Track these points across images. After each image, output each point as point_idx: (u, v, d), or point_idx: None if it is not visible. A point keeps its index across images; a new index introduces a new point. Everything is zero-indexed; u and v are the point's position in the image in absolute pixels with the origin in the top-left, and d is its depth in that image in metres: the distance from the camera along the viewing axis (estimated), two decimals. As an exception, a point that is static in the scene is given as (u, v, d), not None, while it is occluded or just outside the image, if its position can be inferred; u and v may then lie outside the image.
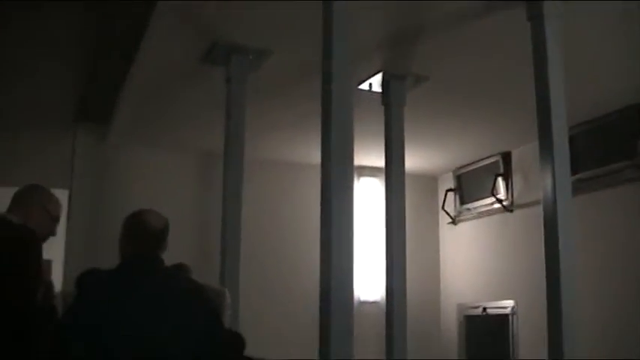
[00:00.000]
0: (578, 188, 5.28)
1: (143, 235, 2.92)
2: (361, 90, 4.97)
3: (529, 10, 3.61)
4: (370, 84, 4.96)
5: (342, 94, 3.09)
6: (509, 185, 7.11)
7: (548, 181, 3.43)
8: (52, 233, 3.31)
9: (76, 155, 6.58)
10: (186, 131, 6.43)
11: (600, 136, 6.01)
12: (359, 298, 7.16)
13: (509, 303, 6.94)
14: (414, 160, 7.09)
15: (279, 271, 7.02)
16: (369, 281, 7.29)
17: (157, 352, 2.69)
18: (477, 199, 7.54)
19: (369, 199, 7.48)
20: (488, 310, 7.26)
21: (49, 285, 5.00)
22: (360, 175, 7.54)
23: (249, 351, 3.39)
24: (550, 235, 3.42)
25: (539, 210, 3.49)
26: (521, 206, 6.92)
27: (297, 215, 7.10)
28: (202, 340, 2.80)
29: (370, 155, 6.53)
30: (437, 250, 8.18)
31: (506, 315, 6.97)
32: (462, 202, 7.83)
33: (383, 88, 4.96)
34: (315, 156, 3.42)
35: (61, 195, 6.58)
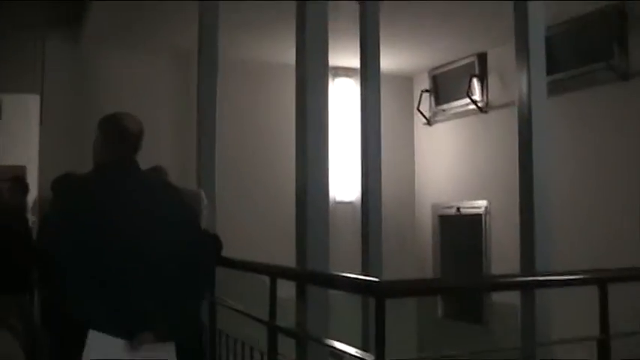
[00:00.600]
0: (553, 89, 5.28)
1: (120, 138, 2.88)
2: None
3: None
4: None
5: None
6: (485, 86, 7.09)
7: (524, 82, 3.42)
8: None
9: (48, 59, 6.44)
10: (161, 31, 6.31)
11: (577, 37, 5.98)
12: (334, 198, 7.21)
13: (483, 203, 7.05)
14: (389, 61, 7.00)
15: (256, 172, 7.04)
16: (344, 182, 7.33)
17: (134, 253, 2.71)
18: (452, 100, 7.54)
19: (344, 99, 7.44)
20: (462, 210, 7.37)
21: (20, 181, 4.95)
22: (335, 75, 7.46)
23: (226, 252, 3.43)
24: (524, 135, 3.43)
25: (514, 111, 3.49)
26: (496, 107, 6.94)
27: (273, 116, 7.06)
28: (179, 241, 2.82)
29: (345, 55, 6.45)
30: (412, 151, 8.22)
31: (480, 215, 7.09)
32: (437, 103, 7.82)
33: (359, -13, 4.85)
34: (291, 56, 3.37)
35: (33, 100, 6.54)
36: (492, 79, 7.04)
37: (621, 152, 5.57)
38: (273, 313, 2.97)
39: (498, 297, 6.55)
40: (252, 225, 6.75)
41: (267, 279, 3.06)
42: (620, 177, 5.54)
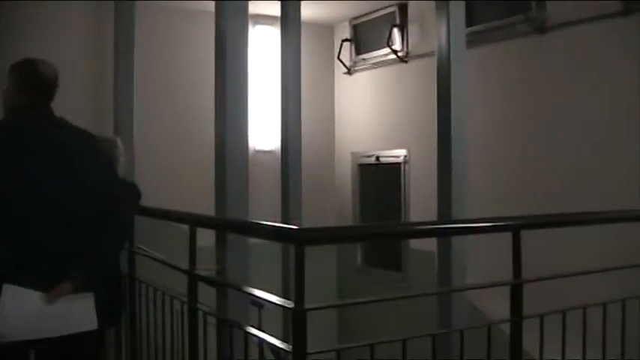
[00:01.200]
0: (472, 40, 5.34)
1: (35, 84, 2.80)
2: None
3: None
4: None
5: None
6: (405, 36, 7.13)
7: (443, 33, 3.45)
8: None
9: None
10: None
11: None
12: (254, 147, 7.18)
13: (402, 152, 7.13)
14: (310, 9, 6.94)
15: (175, 120, 6.93)
16: (264, 130, 7.30)
17: (49, 202, 2.65)
18: (373, 50, 7.56)
19: (264, 47, 7.37)
20: (382, 159, 7.44)
21: None
22: (256, 23, 7.37)
23: (145, 201, 3.39)
24: (443, 85, 3.47)
25: (433, 61, 3.52)
26: (416, 57, 6.99)
27: (193, 63, 6.94)
28: (95, 189, 2.77)
29: (266, 3, 6.36)
30: (332, 100, 8.23)
31: (399, 163, 7.18)
32: (358, 53, 7.83)
33: None
34: (211, 3, 3.30)
35: None
36: (413, 29, 7.07)
37: (535, 104, 5.70)
38: (192, 262, 2.96)
39: (416, 244, 6.69)
40: (172, 173, 6.67)
41: (187, 228, 3.04)
42: (535, 127, 5.69)
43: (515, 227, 2.63)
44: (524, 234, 2.62)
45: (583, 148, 5.26)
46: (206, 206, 3.41)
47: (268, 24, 7.37)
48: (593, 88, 5.22)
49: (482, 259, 4.52)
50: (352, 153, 7.93)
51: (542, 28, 5.59)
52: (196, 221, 3.02)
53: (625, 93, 4.99)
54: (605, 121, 5.11)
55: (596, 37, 5.18)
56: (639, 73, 4.90)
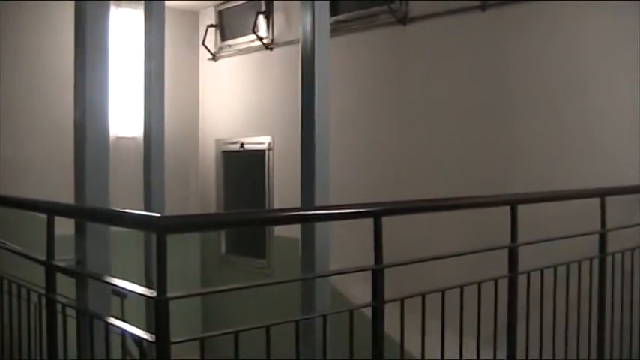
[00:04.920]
0: (336, 29, 5.42)
1: None
2: None
3: None
4: None
5: None
6: (271, 23, 7.13)
7: (307, 21, 3.47)
8: None
9: None
10: None
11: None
12: (116, 134, 7.00)
13: (267, 139, 7.15)
14: (175, -7, 6.87)
15: (34, 105, 6.66)
16: (126, 117, 7.12)
17: None
18: (238, 36, 7.53)
19: (127, 31, 7.16)
20: (246, 146, 7.44)
21: None
22: (119, 5, 7.16)
23: (3, 190, 3.24)
24: (306, 73, 3.50)
25: (298, 49, 3.54)
26: (281, 45, 7.01)
27: (52, 47, 6.68)
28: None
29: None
30: (196, 86, 8.15)
31: (263, 151, 7.19)
32: (223, 39, 7.78)
33: None
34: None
35: None
36: (278, 17, 7.09)
37: (397, 92, 5.85)
38: (50, 252, 2.86)
39: (280, 231, 6.73)
40: (31, 160, 6.42)
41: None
42: (397, 115, 5.84)
43: (377, 213, 2.69)
44: (389, 220, 2.68)
45: (442, 137, 5.45)
46: (67, 195, 3.29)
47: (132, 7, 7.18)
48: (451, 78, 5.42)
49: (346, 245, 4.61)
50: (216, 140, 7.88)
51: (404, 20, 5.74)
52: (54, 210, 2.92)
53: (481, 84, 5.21)
54: (464, 109, 5.32)
55: (455, 30, 5.37)
56: (494, 65, 5.13)
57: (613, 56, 4.49)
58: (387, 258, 2.67)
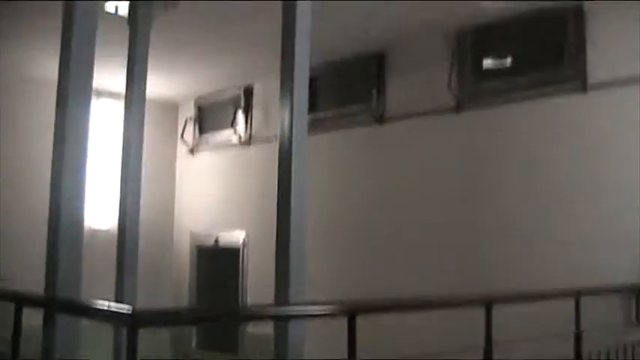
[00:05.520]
0: (315, 127, 5.49)
1: None
2: (107, 12, 4.74)
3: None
4: (117, 6, 4.74)
5: (87, 10, 2.92)
6: (249, 119, 7.22)
7: (286, 118, 3.51)
8: None
9: None
10: None
11: (339, 79, 6.29)
12: (91, 225, 6.95)
13: (241, 234, 7.13)
14: (156, 86, 6.91)
15: (8, 193, 6.61)
16: (102, 208, 7.09)
17: None
18: (217, 131, 7.60)
19: (107, 122, 7.21)
20: (221, 240, 7.40)
21: None
22: (100, 96, 7.22)
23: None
24: (284, 169, 3.51)
25: (275, 145, 3.57)
26: (258, 140, 7.08)
27: (32, 132, 6.68)
28: None
29: (112, 77, 6.27)
30: (173, 179, 8.16)
31: (238, 245, 7.16)
32: (202, 132, 7.84)
33: (130, 9, 4.75)
34: (53, 71, 3.20)
35: None
36: (257, 112, 7.18)
37: (373, 189, 5.90)
38: (16, 343, 2.79)
39: (254, 327, 6.63)
40: (2, 249, 6.32)
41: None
42: (374, 212, 5.87)
43: (351, 312, 2.66)
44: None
45: (417, 231, 5.48)
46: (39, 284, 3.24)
47: (113, 97, 7.25)
48: (426, 175, 5.51)
49: (319, 341, 4.54)
50: (191, 233, 7.83)
51: (381, 119, 5.85)
52: (23, 299, 2.86)
53: (454, 180, 5.30)
54: (439, 205, 5.38)
55: (430, 129, 5.49)
56: (467, 162, 5.23)
57: (579, 157, 4.61)
58: (362, 354, 2.63)
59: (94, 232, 6.91)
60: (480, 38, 5.27)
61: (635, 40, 4.43)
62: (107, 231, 6.92)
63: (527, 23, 4.95)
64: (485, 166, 5.14)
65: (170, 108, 8.11)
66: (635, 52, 4.43)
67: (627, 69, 4.45)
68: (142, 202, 4.36)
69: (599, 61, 4.60)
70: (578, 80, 4.66)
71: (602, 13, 4.62)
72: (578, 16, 4.69)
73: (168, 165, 8.10)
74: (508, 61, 5.13)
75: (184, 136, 7.87)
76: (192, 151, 7.93)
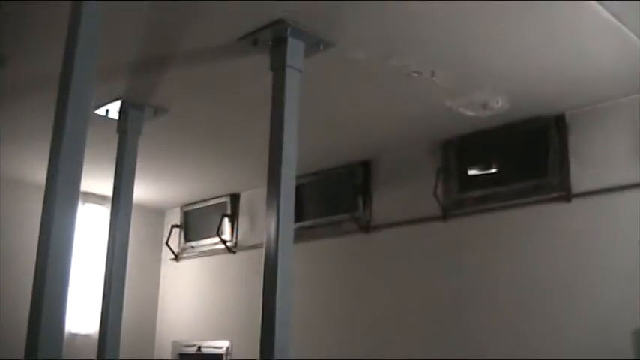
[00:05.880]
0: (301, 235, 5.50)
1: None
2: (97, 115, 4.81)
3: (272, 60, 3.73)
4: (107, 110, 4.82)
5: (78, 115, 2.95)
6: (235, 226, 7.23)
7: (272, 226, 3.51)
8: None
9: None
10: None
11: (326, 188, 6.35)
12: (70, 329, 6.83)
13: (225, 343, 7.01)
14: (143, 192, 6.98)
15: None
16: (83, 312, 6.99)
17: None
18: (202, 238, 7.58)
19: (92, 226, 7.21)
20: (203, 349, 7.27)
21: None
22: (86, 201, 7.25)
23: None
24: (269, 278, 3.49)
25: (261, 253, 3.56)
26: (244, 248, 7.06)
27: (15, 236, 6.64)
28: None
29: (99, 182, 6.31)
30: (157, 286, 8.08)
31: (221, 355, 7.02)
32: (187, 239, 7.82)
33: (120, 116, 4.83)
34: (41, 175, 3.21)
35: None
36: (243, 220, 7.20)
37: (359, 297, 5.86)
38: None
39: None
40: None
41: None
42: (357, 321, 5.82)
43: None
44: None
45: (405, 340, 5.41)
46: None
47: (98, 203, 7.27)
48: (412, 283, 5.50)
49: None
50: (173, 342, 7.69)
51: (367, 228, 5.87)
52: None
53: (441, 288, 5.28)
54: (426, 313, 5.34)
55: (417, 237, 5.53)
56: (454, 271, 5.23)
57: (566, 261, 4.64)
58: None
59: (73, 337, 6.78)
60: (465, 147, 5.37)
61: (616, 149, 4.54)
62: (87, 336, 6.80)
63: (511, 133, 5.06)
64: (472, 272, 5.14)
65: (156, 214, 8.12)
66: (615, 161, 4.53)
67: (609, 178, 4.54)
68: (124, 307, 4.31)
69: (582, 171, 4.68)
70: (561, 190, 4.72)
71: (583, 123, 4.74)
72: (561, 126, 4.81)
73: (152, 271, 8.04)
74: (493, 170, 5.21)
75: (169, 242, 7.84)
76: (176, 257, 7.88)
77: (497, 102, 4.64)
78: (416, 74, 4.20)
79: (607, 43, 3.75)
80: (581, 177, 4.69)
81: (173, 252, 7.87)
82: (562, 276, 4.65)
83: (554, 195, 4.77)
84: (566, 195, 4.71)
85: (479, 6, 3.37)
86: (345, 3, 3.38)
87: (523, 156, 5.06)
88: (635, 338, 4.19)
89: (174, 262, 7.93)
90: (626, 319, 4.25)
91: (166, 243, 7.88)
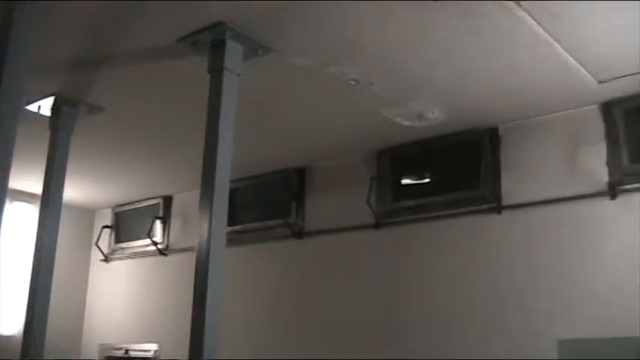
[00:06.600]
0: (233, 239, 5.49)
1: None
2: (29, 111, 4.70)
3: (210, 63, 3.71)
4: (39, 106, 4.71)
5: (7, 111, 2.89)
6: (167, 229, 7.15)
7: (204, 230, 3.49)
8: None
9: None
10: None
11: (260, 193, 6.34)
12: (-4, 331, 6.67)
13: (153, 346, 6.92)
14: (73, 191, 6.85)
15: None
16: (6, 313, 6.81)
17: None
18: (133, 239, 7.48)
19: (20, 225, 7.04)
20: (131, 353, 7.16)
21: None
22: (14, 199, 7.07)
23: None
24: (200, 282, 3.46)
25: (193, 256, 3.53)
26: (176, 251, 6.99)
27: None
28: None
29: (28, 179, 6.18)
30: (85, 287, 7.94)
31: (149, 358, 6.94)
32: (118, 241, 7.71)
33: (53, 112, 4.73)
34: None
35: None
36: (175, 223, 7.13)
37: (291, 302, 5.86)
38: None
39: None
40: None
41: None
42: (289, 326, 5.82)
43: None
44: None
45: (334, 346, 5.43)
46: None
47: (27, 201, 7.11)
48: (344, 290, 5.52)
49: None
50: (100, 344, 7.56)
51: (300, 234, 5.88)
52: None
53: (373, 295, 5.32)
54: (356, 319, 5.37)
55: (350, 245, 5.56)
56: (386, 278, 5.27)
57: (496, 271, 4.75)
58: None
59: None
60: (400, 157, 5.43)
61: (546, 164, 4.66)
62: (12, 337, 6.64)
63: (446, 144, 5.14)
64: (403, 280, 5.20)
65: (87, 214, 7.98)
66: (545, 175, 4.65)
67: (538, 192, 4.65)
68: (50, 308, 4.22)
69: (513, 184, 4.78)
70: (493, 201, 4.81)
71: (515, 137, 4.85)
72: (494, 139, 4.91)
73: (81, 272, 7.90)
74: (427, 180, 5.28)
75: (99, 243, 7.71)
76: (106, 258, 7.76)
77: (433, 113, 4.71)
78: (354, 83, 4.23)
79: (541, 58, 3.83)
80: (511, 189, 4.79)
81: (103, 253, 7.74)
82: (492, 286, 4.73)
83: (486, 206, 4.86)
84: (497, 207, 4.80)
85: (417, 18, 3.42)
86: (286, 8, 3.38)
87: (457, 167, 5.14)
88: (561, 348, 4.30)
89: (104, 264, 7.80)
90: (553, 328, 4.36)
91: (96, 244, 7.74)
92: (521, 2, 3.23)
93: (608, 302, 4.21)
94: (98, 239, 7.71)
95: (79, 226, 7.84)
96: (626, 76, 4.07)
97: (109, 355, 7.45)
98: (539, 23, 3.43)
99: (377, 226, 5.42)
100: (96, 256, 7.86)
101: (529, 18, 3.37)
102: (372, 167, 5.55)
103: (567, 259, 4.44)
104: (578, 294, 4.34)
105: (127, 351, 7.22)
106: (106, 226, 7.74)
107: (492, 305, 4.70)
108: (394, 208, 5.38)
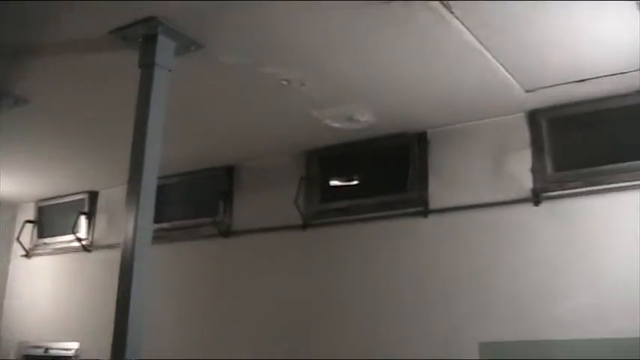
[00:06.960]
0: (160, 237, 5.43)
1: None
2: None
3: (141, 57, 3.66)
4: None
5: None
6: (92, 225, 7.03)
7: (130, 226, 3.44)
8: None
9: None
10: None
11: (188, 190, 6.29)
12: None
13: (74, 345, 6.79)
14: (-5, 185, 6.68)
15: None
16: None
17: None
18: (57, 235, 7.33)
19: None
20: (51, 351, 7.01)
21: None
22: None
23: None
24: (124, 279, 3.41)
25: (118, 253, 3.48)
26: (100, 247, 6.88)
27: None
28: None
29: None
30: (4, 283, 7.74)
31: (69, 357, 6.80)
32: (40, 236, 7.54)
33: (-25, 100, 4.60)
34: None
35: None
36: (100, 219, 7.01)
37: (218, 300, 5.84)
38: None
39: None
40: None
41: None
42: (214, 323, 5.79)
43: None
44: None
45: (260, 340, 5.44)
46: None
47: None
48: (270, 288, 5.54)
49: None
50: (19, 342, 7.38)
51: (227, 232, 5.86)
52: None
53: (296, 294, 5.34)
54: (281, 317, 5.38)
55: (277, 244, 5.57)
56: (313, 278, 5.30)
57: (421, 274, 4.83)
58: None
59: None
60: (329, 158, 5.47)
61: (472, 169, 4.77)
62: None
63: (375, 147, 5.20)
64: (329, 280, 5.24)
65: (8, 208, 7.78)
66: (471, 180, 4.74)
67: (464, 196, 4.75)
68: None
69: (440, 188, 4.87)
70: (419, 205, 4.88)
71: (443, 142, 4.94)
72: (422, 143, 4.99)
73: (0, 268, 7.69)
74: (355, 182, 5.33)
75: (21, 238, 7.52)
76: (28, 254, 7.58)
77: (363, 116, 4.75)
78: (285, 83, 4.23)
79: (470, 65, 3.90)
80: (438, 193, 4.87)
81: (24, 248, 7.56)
82: (417, 288, 4.80)
83: (413, 210, 4.93)
84: (424, 210, 4.87)
85: (349, 20, 3.44)
86: (219, 6, 3.36)
87: (385, 170, 5.20)
88: (482, 350, 4.39)
89: (25, 259, 7.62)
90: (474, 331, 4.45)
91: (17, 239, 7.56)
92: (453, 10, 3.28)
93: (528, 306, 4.32)
94: (20, 234, 7.53)
95: (0, 220, 7.63)
96: (552, 86, 4.18)
97: (26, 353, 7.28)
98: (469, 30, 3.49)
99: (304, 226, 5.44)
100: (17, 251, 7.67)
101: (460, 25, 3.43)
102: (301, 168, 5.57)
103: (491, 264, 4.54)
104: (499, 298, 4.45)
105: (46, 349, 7.06)
106: (29, 221, 7.56)
107: (417, 307, 4.77)
108: (322, 209, 5.41)
